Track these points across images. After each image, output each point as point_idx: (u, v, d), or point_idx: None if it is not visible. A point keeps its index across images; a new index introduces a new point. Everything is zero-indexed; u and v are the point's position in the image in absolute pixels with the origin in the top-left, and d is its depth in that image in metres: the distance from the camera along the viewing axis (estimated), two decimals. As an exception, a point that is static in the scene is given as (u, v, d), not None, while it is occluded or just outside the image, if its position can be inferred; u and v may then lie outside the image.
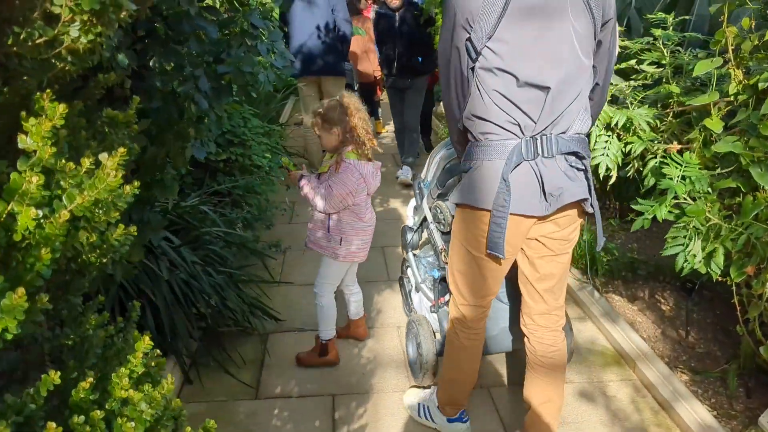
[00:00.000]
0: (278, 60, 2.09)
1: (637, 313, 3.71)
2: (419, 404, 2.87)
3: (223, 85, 2.14)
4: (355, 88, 6.99)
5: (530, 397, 2.46)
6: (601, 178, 3.06)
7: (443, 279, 2.95)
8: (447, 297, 2.85)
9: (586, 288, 3.92)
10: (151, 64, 1.86)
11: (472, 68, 2.02)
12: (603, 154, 2.93)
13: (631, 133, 2.92)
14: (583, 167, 2.10)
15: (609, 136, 2.93)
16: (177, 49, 1.81)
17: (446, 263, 2.77)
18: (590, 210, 2.14)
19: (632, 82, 3.12)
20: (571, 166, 2.07)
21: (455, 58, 2.04)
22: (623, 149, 2.96)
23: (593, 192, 2.14)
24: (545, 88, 1.96)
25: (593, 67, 2.08)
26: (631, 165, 3.14)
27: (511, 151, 2.01)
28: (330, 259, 3.16)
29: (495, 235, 2.07)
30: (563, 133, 2.05)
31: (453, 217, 2.41)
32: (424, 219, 3.05)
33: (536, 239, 2.20)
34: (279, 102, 7.35)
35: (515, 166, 2.01)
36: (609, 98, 3.05)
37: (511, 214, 2.04)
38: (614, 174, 3.05)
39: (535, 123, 2.00)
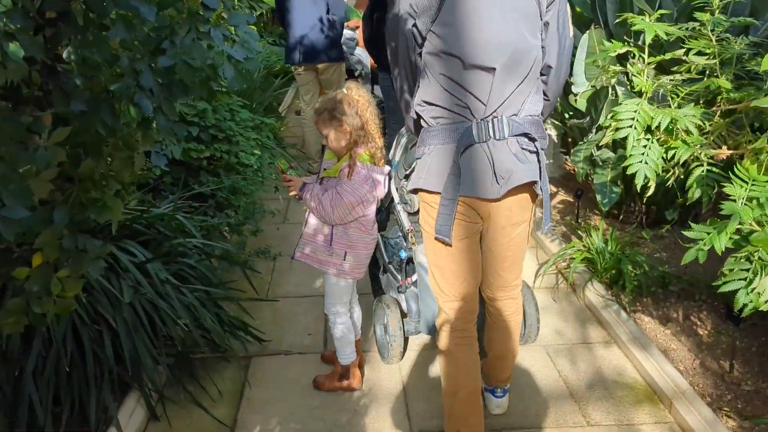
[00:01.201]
0: (238, 50, 1.63)
1: (671, 338, 3.26)
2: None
3: (175, 82, 1.69)
4: (356, 74, 6.46)
5: (491, 349, 2.61)
6: (638, 189, 2.60)
7: (410, 260, 3.01)
8: (414, 277, 2.98)
9: (611, 307, 3.47)
10: (65, 56, 1.43)
11: (420, 54, 2.08)
12: (641, 161, 2.47)
13: (675, 136, 2.46)
14: (535, 149, 2.12)
15: (648, 140, 2.47)
16: (100, 37, 1.38)
17: (413, 244, 2.88)
18: (539, 193, 2.17)
19: (676, 76, 2.65)
20: (523, 148, 2.11)
21: (402, 45, 2.09)
22: (664, 155, 2.50)
23: (544, 174, 2.17)
24: (491, 69, 1.99)
25: (542, 48, 2.09)
26: (671, 173, 2.68)
27: (461, 134, 2.06)
28: (334, 277, 2.76)
29: (442, 219, 2.14)
30: (515, 114, 2.09)
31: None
32: (391, 200, 2.98)
33: (489, 221, 2.21)
34: (277, 89, 6.88)
35: (465, 149, 2.06)
36: (649, 95, 2.59)
37: (462, 196, 2.10)
38: (652, 185, 2.59)
39: (485, 105, 2.04)
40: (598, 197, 3.70)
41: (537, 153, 2.13)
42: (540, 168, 2.14)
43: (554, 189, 5.45)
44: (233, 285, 3.46)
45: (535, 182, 2.13)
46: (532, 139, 2.11)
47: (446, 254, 2.26)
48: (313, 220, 2.74)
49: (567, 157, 6.03)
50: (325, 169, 2.70)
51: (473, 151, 2.06)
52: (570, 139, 5.85)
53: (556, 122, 4.94)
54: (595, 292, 3.61)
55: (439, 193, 2.12)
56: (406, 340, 3.03)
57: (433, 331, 2.84)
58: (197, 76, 1.66)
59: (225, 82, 2.00)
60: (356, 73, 6.43)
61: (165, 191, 3.81)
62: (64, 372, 2.50)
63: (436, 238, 2.20)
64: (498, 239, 2.26)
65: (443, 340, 2.39)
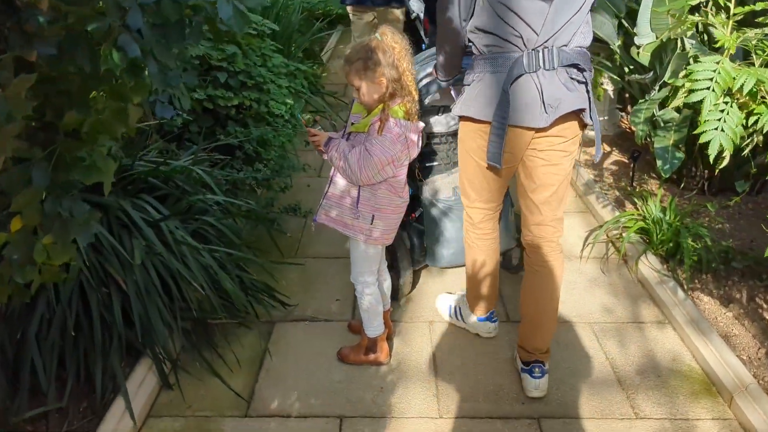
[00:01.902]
0: (237, -16, 1.35)
1: (733, 322, 2.95)
2: (450, 306, 2.99)
3: (171, 23, 1.44)
4: (412, 17, 6.00)
5: (527, 312, 2.59)
6: (711, 159, 2.27)
7: (414, 197, 2.95)
8: (417, 213, 3.08)
9: (666, 283, 3.16)
10: (25, -12, 1.19)
11: None
12: (717, 128, 2.14)
13: (758, 100, 2.11)
14: (584, 80, 2.16)
15: (727, 104, 2.12)
16: (65, -38, 1.13)
17: (420, 181, 2.98)
18: (589, 122, 2.21)
19: (764, 29, 2.28)
20: (572, 78, 2.14)
21: None
22: (744, 122, 2.16)
23: (593, 104, 2.20)
24: (549, 0, 2.02)
25: None
26: (749, 140, 2.33)
27: (512, 63, 2.10)
28: (362, 244, 2.53)
29: (493, 146, 2.19)
30: (565, 45, 2.12)
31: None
32: None
33: (535, 150, 2.26)
34: (317, 33, 6.55)
35: (515, 78, 2.10)
36: (732, 51, 2.22)
37: (510, 125, 2.15)
38: (727, 155, 2.25)
39: (538, 35, 2.08)
40: (659, 162, 3.36)
41: (585, 83, 2.18)
42: (588, 97, 2.18)
43: (607, 149, 5.07)
44: (259, 245, 3.26)
45: (583, 110, 2.19)
46: (581, 70, 2.16)
47: (482, 176, 2.41)
48: (340, 180, 2.49)
49: (623, 114, 5.62)
50: (353, 124, 2.44)
51: (523, 80, 2.11)
52: (627, 95, 5.44)
53: (614, 76, 4.54)
54: (649, 266, 3.30)
55: (487, 121, 2.20)
56: (413, 273, 3.17)
57: (439, 261, 3.13)
58: (199, 14, 1.40)
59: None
60: (412, 16, 6.01)
61: (190, 141, 3.59)
62: (69, 336, 2.34)
63: (488, 166, 2.30)
64: (542, 169, 2.30)
65: (467, 236, 2.67)
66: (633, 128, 3.49)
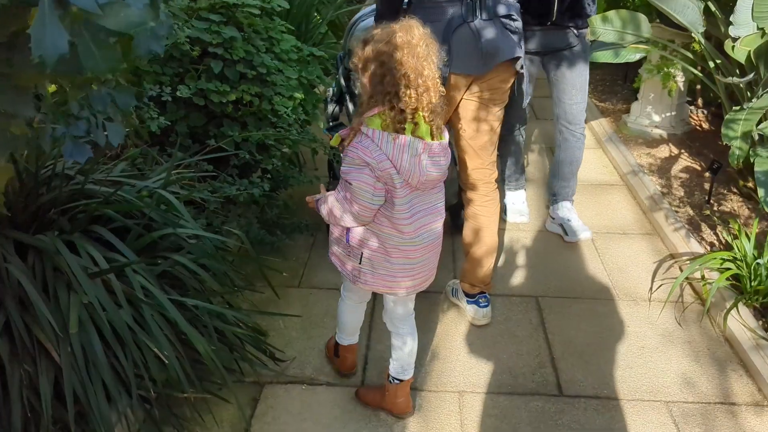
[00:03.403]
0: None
1: None
2: (451, 287, 2.90)
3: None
4: None
5: (471, 245, 2.65)
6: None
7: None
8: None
9: (764, 349, 2.47)
10: None
11: None
12: None
13: None
14: (516, 29, 2.35)
15: None
16: None
17: None
18: (521, 70, 2.43)
19: None
20: (506, 28, 2.31)
21: None
22: None
23: (522, 52, 2.40)
24: None
25: None
26: None
27: (452, 13, 2.24)
28: (349, 283, 2.13)
29: None
30: None
31: None
32: (342, 92, 3.15)
33: (473, 97, 2.39)
34: (341, 7, 5.82)
35: (456, 28, 2.24)
36: None
37: (453, 74, 2.27)
38: None
39: None
40: (761, 192, 2.63)
41: (518, 33, 2.36)
42: (520, 45, 2.38)
43: (675, 150, 4.33)
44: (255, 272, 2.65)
45: (517, 58, 2.38)
46: (514, 20, 2.34)
47: None
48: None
49: (692, 108, 4.85)
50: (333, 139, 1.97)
51: (462, 30, 2.24)
52: (698, 86, 4.66)
53: (686, 66, 3.78)
54: (740, 322, 2.61)
55: None
56: None
57: None
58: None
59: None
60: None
61: (172, 146, 2.97)
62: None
63: None
64: (480, 114, 2.42)
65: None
66: (725, 143, 2.76)
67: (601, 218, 3.60)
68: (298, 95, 3.23)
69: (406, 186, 1.85)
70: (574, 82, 3.16)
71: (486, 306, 2.71)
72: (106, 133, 1.39)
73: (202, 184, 2.78)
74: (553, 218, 3.46)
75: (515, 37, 2.34)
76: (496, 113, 2.47)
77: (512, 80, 2.45)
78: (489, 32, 2.24)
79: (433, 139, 1.84)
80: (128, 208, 2.15)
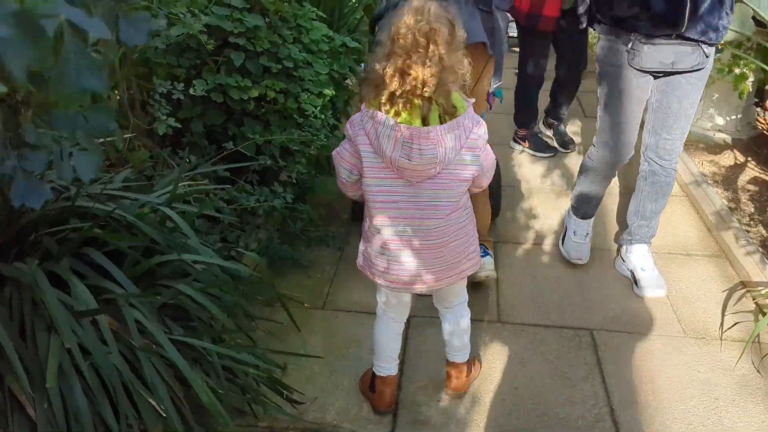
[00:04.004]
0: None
1: None
2: None
3: None
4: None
5: None
6: None
7: None
8: None
9: None
10: None
11: None
12: None
13: None
14: (489, 9, 2.37)
15: None
16: None
17: None
18: (491, 52, 2.41)
19: None
20: (480, 9, 2.33)
21: None
22: None
23: (497, 34, 2.43)
24: None
25: None
26: None
27: None
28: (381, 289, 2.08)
29: None
30: None
31: None
32: None
33: None
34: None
35: None
36: None
37: None
38: None
39: None
40: None
41: (491, 13, 2.36)
42: (493, 27, 2.38)
43: (741, 158, 3.92)
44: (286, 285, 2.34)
45: (485, 43, 2.34)
46: (489, 2, 2.34)
47: None
48: None
49: (759, 110, 4.41)
50: None
51: None
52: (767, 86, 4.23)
53: (762, 65, 3.37)
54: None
55: None
56: None
57: None
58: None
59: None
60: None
61: (187, 147, 2.67)
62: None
63: None
64: None
65: None
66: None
67: (660, 235, 3.21)
68: (328, 92, 2.90)
69: (385, 169, 1.75)
70: (683, 112, 2.59)
71: (484, 256, 2.68)
72: (73, 164, 1.08)
73: (218, 192, 2.48)
74: (624, 260, 2.94)
75: (487, 17, 2.33)
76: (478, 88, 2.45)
77: (483, 65, 2.40)
78: (460, 11, 2.06)
79: (424, 123, 1.69)
80: (119, 238, 1.83)
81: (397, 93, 1.68)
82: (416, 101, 1.68)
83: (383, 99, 1.70)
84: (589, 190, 2.95)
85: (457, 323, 2.14)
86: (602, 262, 3.03)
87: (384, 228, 1.83)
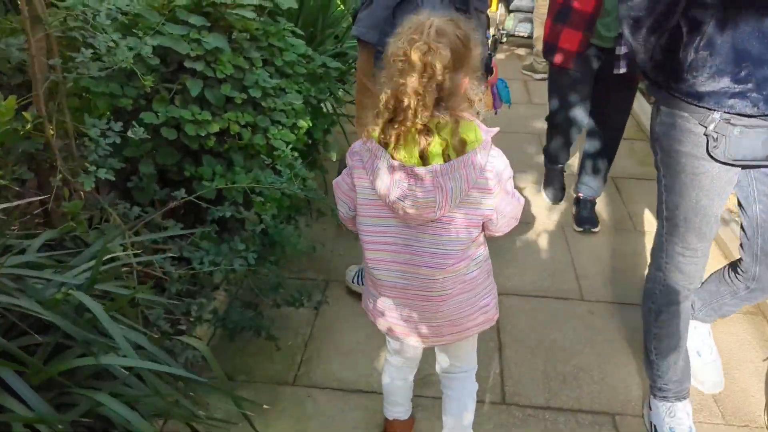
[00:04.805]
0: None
1: None
2: (355, 272, 2.71)
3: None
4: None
5: None
6: None
7: None
8: None
9: None
10: None
11: None
12: None
13: None
14: (466, 8, 2.20)
15: None
16: None
17: None
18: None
19: None
20: (457, 8, 2.17)
21: None
22: None
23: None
24: None
25: None
26: None
27: None
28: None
29: (377, 69, 1.97)
30: None
31: None
32: None
33: None
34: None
35: (401, 2, 2.13)
36: None
37: None
38: None
39: None
40: None
41: (468, 12, 2.19)
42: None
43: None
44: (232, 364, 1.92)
45: None
46: (466, 1, 2.19)
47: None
48: None
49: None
50: None
51: (407, 5, 2.10)
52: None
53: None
54: None
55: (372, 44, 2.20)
56: None
57: None
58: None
59: None
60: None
61: (139, 190, 2.25)
62: None
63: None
64: None
65: None
66: None
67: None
68: (303, 123, 2.47)
69: (381, 207, 1.54)
70: None
71: None
72: None
73: (167, 249, 2.06)
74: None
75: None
76: None
77: None
78: (434, 10, 1.93)
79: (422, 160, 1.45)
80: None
81: (393, 123, 1.45)
82: (412, 133, 1.44)
83: (379, 129, 1.48)
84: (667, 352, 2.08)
85: (459, 408, 1.88)
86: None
87: (377, 271, 1.61)
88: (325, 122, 2.72)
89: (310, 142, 2.69)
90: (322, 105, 2.80)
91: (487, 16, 3.21)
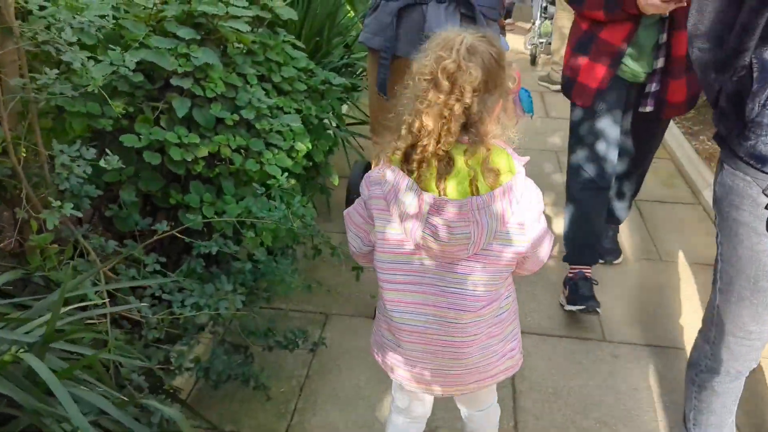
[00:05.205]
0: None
1: None
2: None
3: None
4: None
5: None
6: None
7: None
8: None
9: None
10: None
11: None
12: None
13: None
14: (473, 15, 2.13)
15: None
16: None
17: None
18: None
19: None
20: (462, 13, 2.14)
21: None
22: None
23: None
24: None
25: None
26: None
27: None
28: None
29: (380, 74, 2.22)
30: None
31: None
32: None
33: None
34: None
35: (404, 7, 2.15)
36: None
37: (397, 56, 2.18)
38: None
39: None
40: None
41: (474, 19, 2.13)
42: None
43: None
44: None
45: None
46: (472, 7, 2.13)
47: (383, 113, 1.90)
48: None
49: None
50: None
51: (411, 10, 2.15)
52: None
53: None
54: None
55: (373, 48, 2.24)
56: None
57: None
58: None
59: None
60: None
61: (120, 220, 2.04)
62: None
63: (378, 93, 2.26)
64: None
65: None
66: None
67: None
68: (302, 146, 2.26)
69: (403, 242, 1.38)
70: None
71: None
72: None
73: (148, 287, 1.85)
74: None
75: (468, 21, 2.14)
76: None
77: None
78: (437, 16, 2.12)
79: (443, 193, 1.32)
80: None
81: (415, 148, 1.32)
82: (434, 161, 1.32)
83: (401, 154, 1.34)
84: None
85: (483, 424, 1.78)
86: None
87: (396, 313, 1.44)
88: (327, 143, 2.50)
89: (310, 164, 2.47)
90: (324, 122, 2.58)
91: (502, 26, 3.00)
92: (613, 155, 2.47)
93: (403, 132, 1.33)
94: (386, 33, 2.17)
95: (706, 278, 2.80)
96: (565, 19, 4.77)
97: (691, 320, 2.57)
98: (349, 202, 2.71)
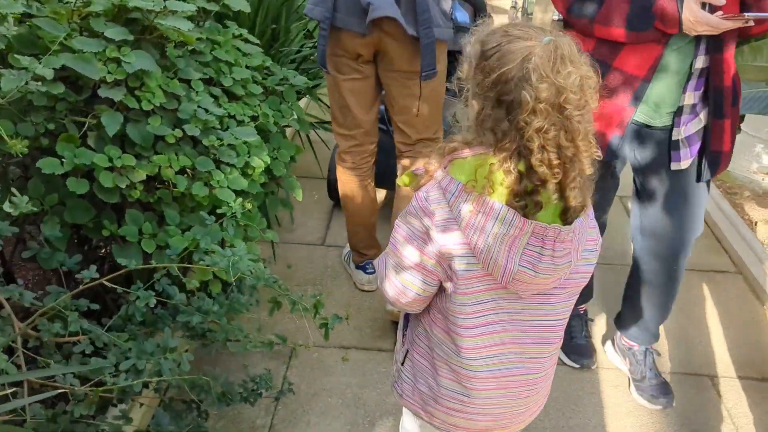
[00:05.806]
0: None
1: None
2: (346, 251, 2.76)
3: None
4: None
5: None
6: None
7: None
8: None
9: None
10: None
11: None
12: None
13: None
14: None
15: None
16: None
17: None
18: (412, 33, 1.99)
19: None
20: None
21: None
22: None
23: (426, 15, 1.96)
24: None
25: None
26: None
27: None
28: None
29: (320, 47, 2.13)
30: None
31: None
32: None
33: (382, 70, 2.18)
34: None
35: None
36: None
37: (336, 26, 2.07)
38: None
39: None
40: None
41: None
42: (414, 7, 1.96)
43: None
44: None
45: (395, 19, 1.95)
46: None
47: (337, 91, 2.23)
48: None
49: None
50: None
51: None
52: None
53: None
54: None
55: (315, 18, 2.13)
56: None
57: None
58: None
59: None
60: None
61: (40, 260, 1.71)
62: None
63: (335, 78, 2.20)
64: (388, 84, 2.22)
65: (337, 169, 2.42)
66: None
67: (720, 335, 2.38)
68: (259, 161, 1.95)
69: (483, 278, 1.18)
70: None
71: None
72: None
73: (81, 340, 1.54)
74: None
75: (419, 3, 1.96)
76: (409, 85, 2.16)
77: (416, 51, 2.04)
78: None
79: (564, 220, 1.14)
80: None
81: (539, 173, 1.11)
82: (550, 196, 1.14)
83: (509, 181, 1.10)
84: None
85: None
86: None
87: (474, 361, 1.25)
88: (288, 153, 2.18)
89: (270, 179, 2.16)
90: (284, 129, 2.26)
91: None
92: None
93: (537, 157, 1.09)
94: (326, 3, 2.04)
95: (703, 286, 2.59)
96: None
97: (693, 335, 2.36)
98: (331, 187, 2.89)
